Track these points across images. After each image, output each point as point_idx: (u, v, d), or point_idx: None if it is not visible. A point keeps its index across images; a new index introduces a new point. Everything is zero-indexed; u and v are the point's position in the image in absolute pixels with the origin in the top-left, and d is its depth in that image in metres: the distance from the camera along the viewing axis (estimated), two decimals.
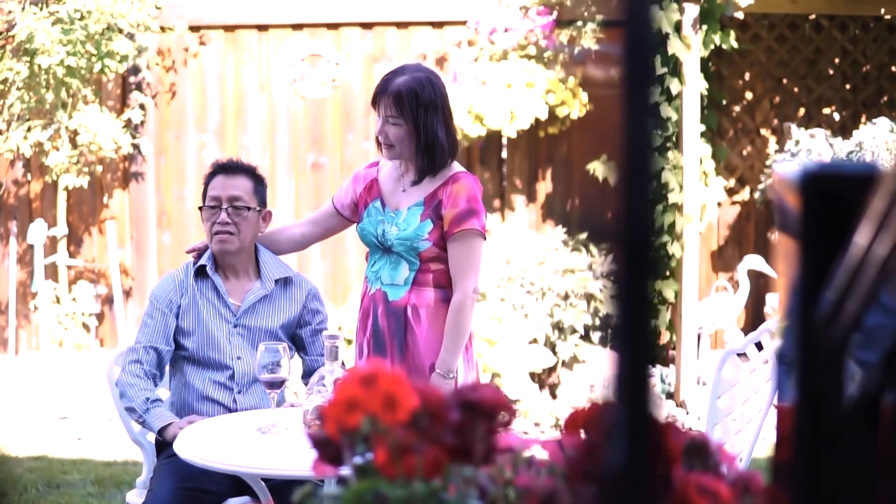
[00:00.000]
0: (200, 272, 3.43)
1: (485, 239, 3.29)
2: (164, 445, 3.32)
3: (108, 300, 7.42)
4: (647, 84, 0.79)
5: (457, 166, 3.35)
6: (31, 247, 7.28)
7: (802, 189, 1.00)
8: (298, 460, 2.72)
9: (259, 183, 3.47)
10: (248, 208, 3.40)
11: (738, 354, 3.39)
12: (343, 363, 2.88)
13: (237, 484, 3.12)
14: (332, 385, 2.81)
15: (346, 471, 1.32)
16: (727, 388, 3.33)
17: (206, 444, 2.87)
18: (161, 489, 3.07)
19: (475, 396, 1.30)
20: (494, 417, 1.32)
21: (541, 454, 1.44)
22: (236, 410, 3.32)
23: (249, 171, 3.47)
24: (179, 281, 3.43)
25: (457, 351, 3.21)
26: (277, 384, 2.94)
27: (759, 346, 3.38)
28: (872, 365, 1.00)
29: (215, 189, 3.41)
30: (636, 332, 0.81)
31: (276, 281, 3.43)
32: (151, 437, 3.51)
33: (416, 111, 3.20)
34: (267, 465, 2.76)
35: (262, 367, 2.93)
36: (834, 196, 0.97)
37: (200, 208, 3.46)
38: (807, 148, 7.06)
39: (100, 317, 7.42)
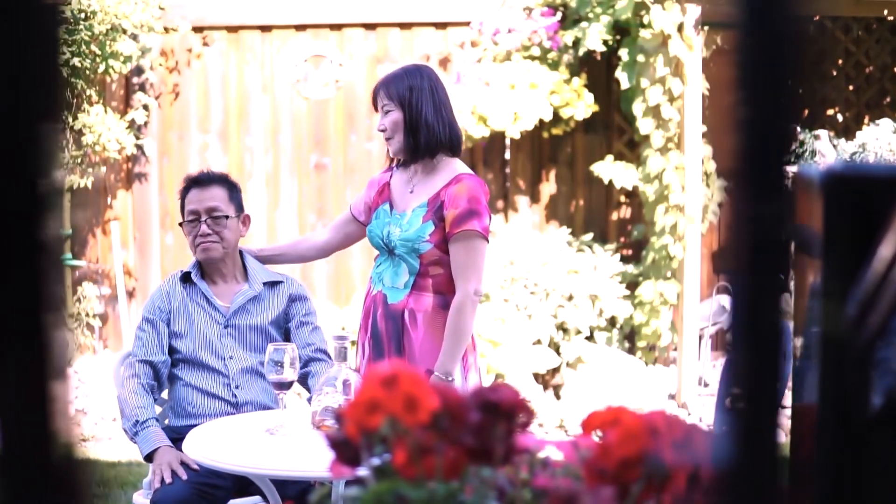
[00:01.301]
0: (187, 279, 3.49)
1: (487, 241, 3.28)
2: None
3: (112, 301, 7.42)
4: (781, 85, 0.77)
5: (461, 167, 3.35)
6: None
7: (825, 190, 1.00)
8: (306, 461, 2.73)
9: (233, 189, 3.55)
10: (227, 216, 3.46)
11: None
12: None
13: (246, 480, 3.13)
14: (341, 386, 2.81)
15: (363, 472, 1.33)
16: None
17: (215, 444, 2.87)
18: (171, 485, 3.08)
19: (495, 397, 1.30)
20: (514, 418, 1.32)
21: (556, 455, 1.45)
22: (237, 404, 3.35)
23: (222, 180, 3.54)
24: (166, 291, 3.51)
25: (455, 353, 3.21)
26: (286, 385, 2.94)
27: None
28: (891, 363, 1.00)
29: (192, 203, 3.48)
30: (762, 328, 0.80)
31: (265, 283, 3.48)
32: None
33: (402, 92, 3.29)
34: (275, 466, 2.76)
35: (270, 367, 2.94)
36: (858, 197, 0.97)
37: (181, 224, 3.51)
38: (810, 149, 7.06)
39: (103, 317, 7.42)
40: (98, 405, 6.51)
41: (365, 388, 1.23)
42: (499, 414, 1.32)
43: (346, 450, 1.39)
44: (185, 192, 3.52)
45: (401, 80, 3.29)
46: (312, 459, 2.72)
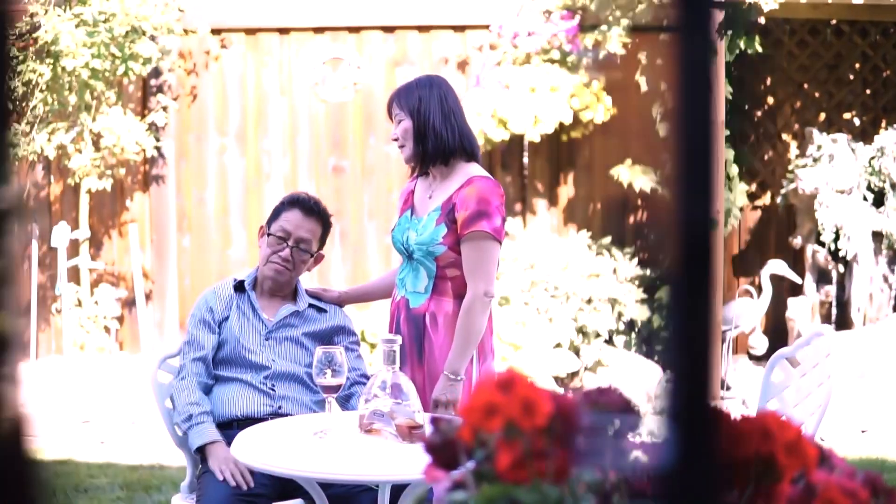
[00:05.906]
0: (240, 288, 3.52)
1: (499, 242, 3.29)
2: None
3: (129, 303, 7.41)
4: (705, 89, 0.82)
5: (476, 170, 3.37)
6: (50, 249, 7.27)
7: None
8: (355, 464, 2.72)
9: (327, 228, 3.58)
10: (310, 254, 3.50)
11: (787, 359, 3.38)
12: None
13: (288, 488, 3.12)
14: (389, 389, 2.80)
15: (457, 475, 1.32)
16: (776, 393, 3.32)
17: (263, 448, 2.86)
18: (214, 494, 3.07)
19: (605, 400, 1.30)
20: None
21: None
22: (275, 398, 3.35)
23: (324, 216, 3.56)
24: (219, 294, 3.53)
25: (465, 353, 3.23)
26: (334, 388, 2.93)
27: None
28: None
29: (289, 223, 3.48)
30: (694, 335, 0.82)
31: (311, 305, 3.50)
32: None
33: (412, 102, 3.36)
34: (324, 469, 2.75)
35: (318, 370, 2.93)
36: None
37: (262, 230, 3.51)
38: (828, 153, 7.06)
39: (120, 320, 7.40)
40: (116, 407, 6.49)
41: (481, 392, 1.22)
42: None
43: (443, 454, 1.38)
44: (286, 207, 3.53)
45: (411, 91, 3.38)
46: (361, 462, 2.72)
